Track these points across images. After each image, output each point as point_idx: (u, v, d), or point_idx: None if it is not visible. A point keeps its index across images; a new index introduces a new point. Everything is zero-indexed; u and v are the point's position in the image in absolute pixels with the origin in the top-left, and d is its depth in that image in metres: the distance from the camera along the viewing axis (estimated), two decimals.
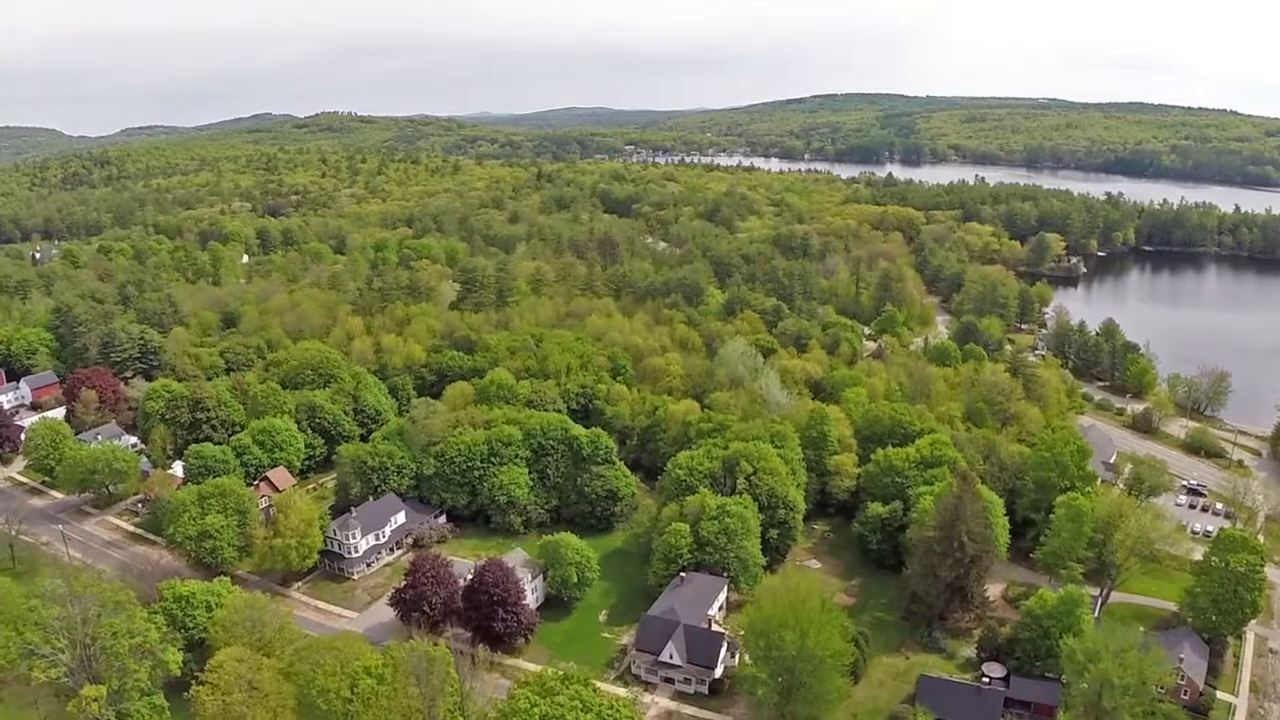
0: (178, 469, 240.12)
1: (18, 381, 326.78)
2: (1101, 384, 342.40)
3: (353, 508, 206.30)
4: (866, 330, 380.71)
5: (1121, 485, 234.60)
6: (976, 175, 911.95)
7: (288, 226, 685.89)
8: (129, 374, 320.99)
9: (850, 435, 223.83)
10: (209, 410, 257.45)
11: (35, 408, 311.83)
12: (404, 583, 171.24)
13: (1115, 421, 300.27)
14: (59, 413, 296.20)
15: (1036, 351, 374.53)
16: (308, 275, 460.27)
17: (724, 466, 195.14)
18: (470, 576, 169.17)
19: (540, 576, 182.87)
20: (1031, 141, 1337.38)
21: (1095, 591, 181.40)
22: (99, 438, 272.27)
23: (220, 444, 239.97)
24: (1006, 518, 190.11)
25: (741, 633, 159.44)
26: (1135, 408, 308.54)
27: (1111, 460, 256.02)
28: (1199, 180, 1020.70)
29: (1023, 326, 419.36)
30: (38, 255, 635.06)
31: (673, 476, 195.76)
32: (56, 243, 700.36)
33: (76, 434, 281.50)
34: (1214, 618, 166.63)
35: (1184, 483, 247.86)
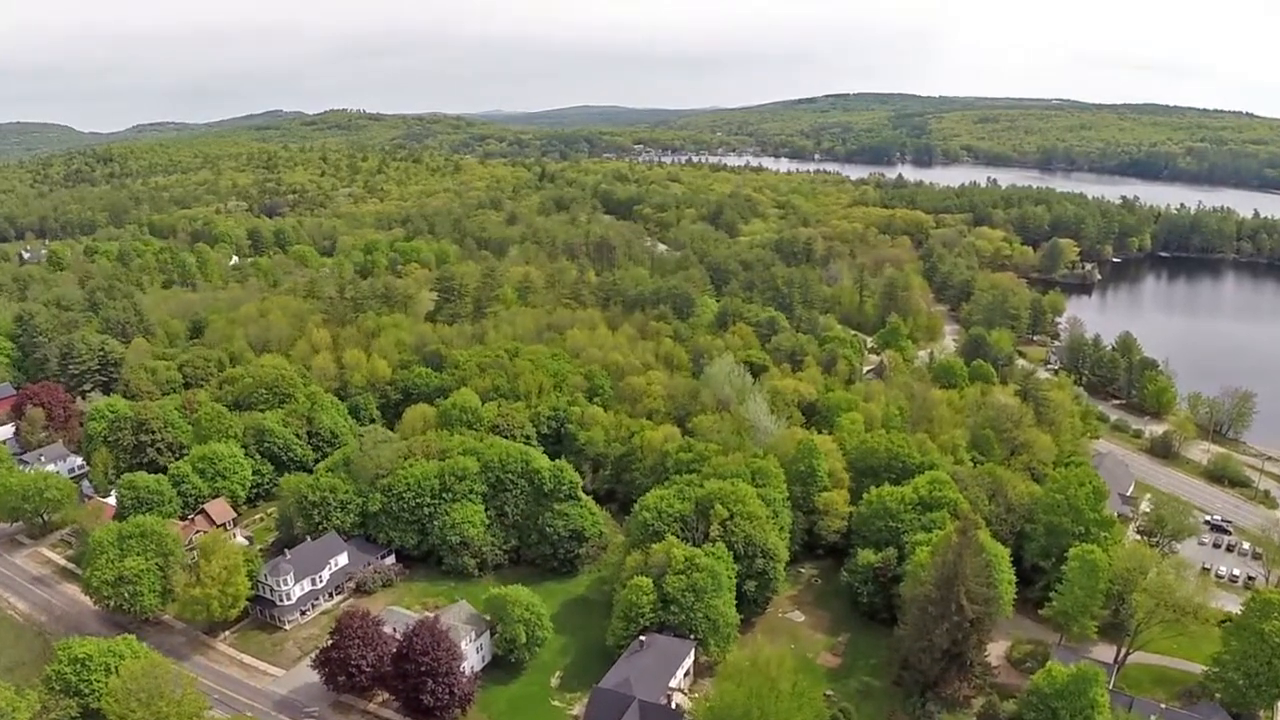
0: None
1: None
2: (1117, 402, 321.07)
3: (286, 550, 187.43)
4: (869, 342, 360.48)
5: (1138, 528, 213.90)
6: (988, 177, 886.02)
7: (280, 227, 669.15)
8: (87, 387, 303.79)
9: (843, 469, 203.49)
10: (154, 433, 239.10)
11: None
12: (330, 642, 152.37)
13: (1132, 445, 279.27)
14: (8, 430, 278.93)
15: (1049, 366, 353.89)
16: (289, 280, 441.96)
17: (697, 509, 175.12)
18: (403, 636, 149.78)
19: (487, 633, 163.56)
20: (1045, 143, 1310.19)
21: (1110, 660, 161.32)
22: (42, 459, 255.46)
23: (159, 472, 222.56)
24: (1013, 567, 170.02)
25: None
26: (1153, 430, 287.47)
27: (1129, 492, 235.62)
28: (1215, 183, 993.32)
29: (1034, 338, 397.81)
30: (26, 255, 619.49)
31: (639, 520, 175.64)
32: (45, 242, 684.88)
33: (21, 454, 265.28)
34: (1246, 692, 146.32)
35: (1207, 518, 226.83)
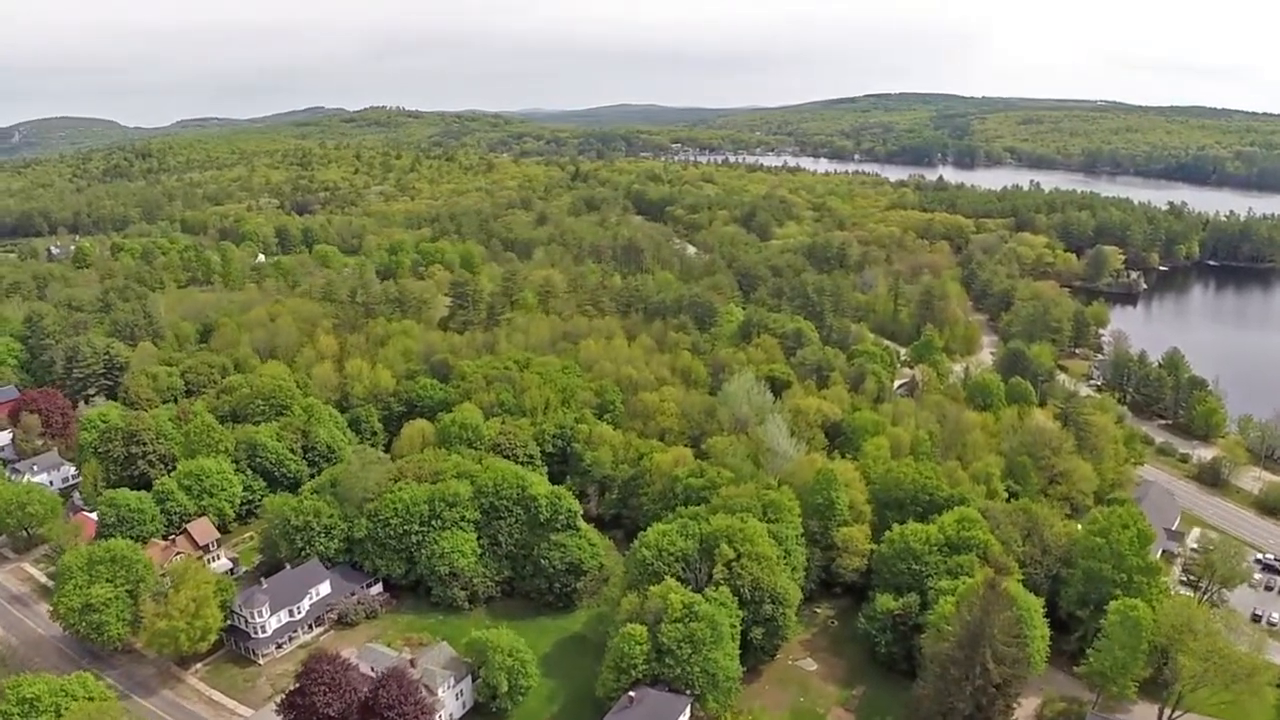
0: None
1: None
2: (1163, 423, 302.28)
3: (262, 579, 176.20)
4: (903, 354, 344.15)
5: (1184, 569, 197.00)
6: (1031, 180, 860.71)
7: (308, 225, 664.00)
8: (92, 392, 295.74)
9: (864, 501, 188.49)
10: (145, 444, 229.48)
11: None
12: (295, 686, 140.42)
13: (1178, 471, 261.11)
14: (4, 436, 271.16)
15: (1091, 382, 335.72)
16: (307, 281, 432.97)
17: (701, 547, 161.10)
18: (371, 686, 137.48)
19: (468, 678, 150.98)
20: (1090, 145, 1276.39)
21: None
22: (34, 468, 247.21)
23: (147, 486, 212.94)
24: (1047, 619, 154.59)
25: None
26: (1202, 454, 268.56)
27: (1174, 526, 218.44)
28: (1264, 189, 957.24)
29: (1076, 351, 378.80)
30: (55, 250, 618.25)
31: (638, 558, 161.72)
32: (75, 238, 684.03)
33: (13, 462, 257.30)
34: None
35: (1258, 557, 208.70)
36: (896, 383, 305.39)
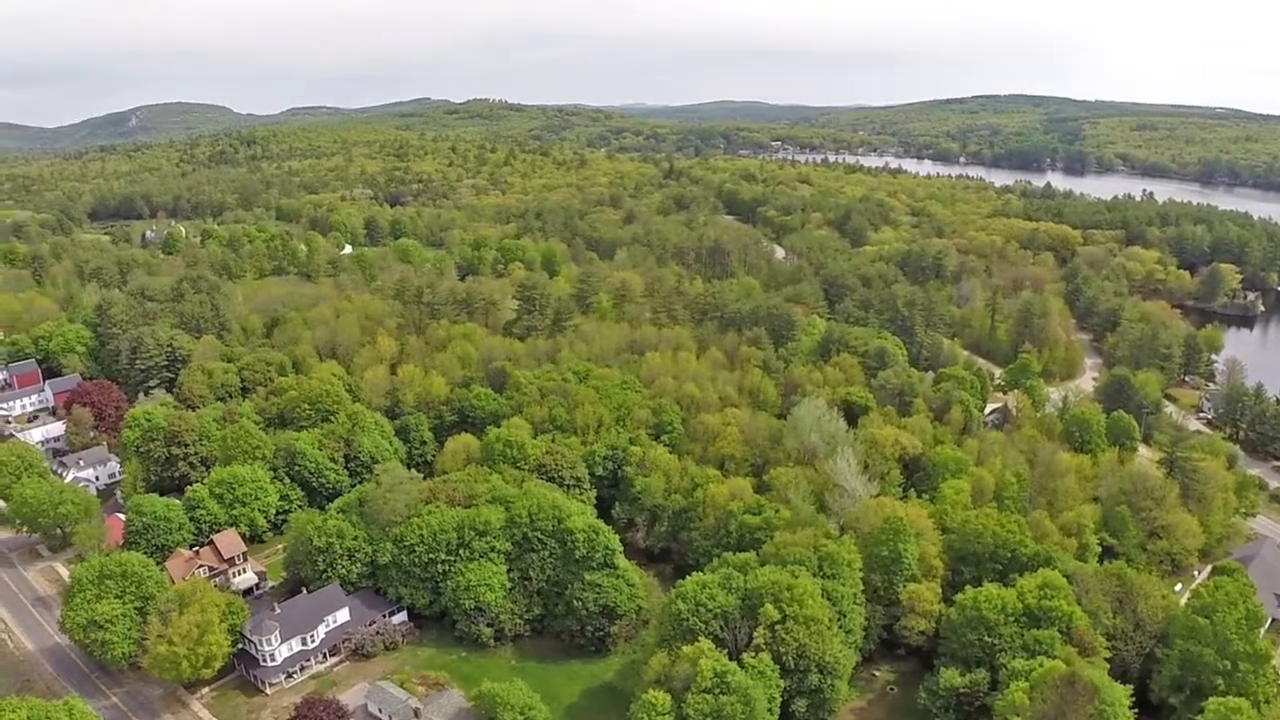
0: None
1: (43, 384, 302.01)
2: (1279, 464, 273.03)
3: (275, 605, 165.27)
4: (996, 375, 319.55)
5: None
6: (1144, 190, 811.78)
7: (397, 217, 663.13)
8: (153, 384, 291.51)
9: (937, 554, 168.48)
10: (187, 445, 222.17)
11: (56, 413, 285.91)
12: None
13: None
14: (59, 427, 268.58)
15: (1200, 415, 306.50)
16: (383, 276, 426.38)
17: (743, 604, 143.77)
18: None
19: None
20: (1207, 154, 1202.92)
21: None
22: (80, 463, 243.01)
23: (183, 490, 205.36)
24: (1136, 700, 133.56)
25: None
26: None
27: None
28: None
29: (1186, 379, 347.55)
30: (149, 235, 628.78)
31: (672, 611, 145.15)
32: (171, 223, 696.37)
33: (63, 454, 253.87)
34: None
35: None
36: (988, 408, 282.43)
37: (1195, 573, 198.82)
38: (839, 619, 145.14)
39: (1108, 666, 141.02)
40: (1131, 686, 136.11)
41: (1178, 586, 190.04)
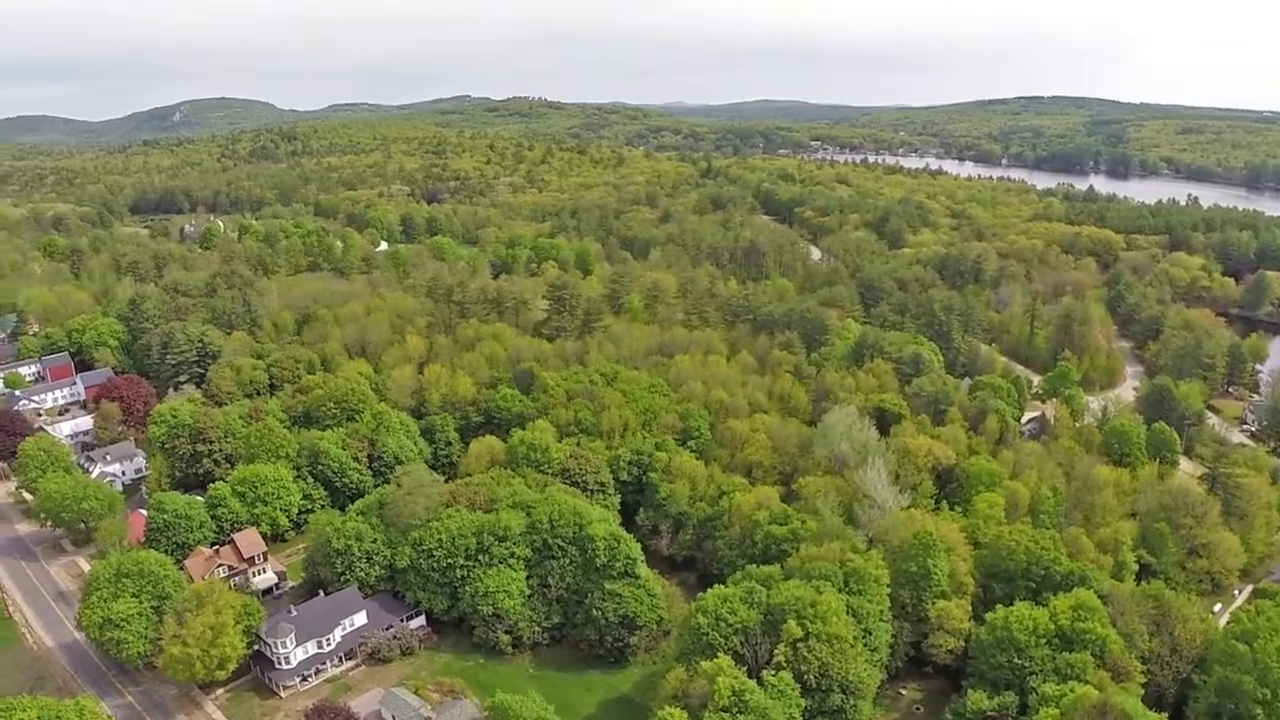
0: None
1: (75, 377, 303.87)
2: None
3: (291, 607, 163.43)
4: (1034, 383, 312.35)
5: None
6: (1189, 194, 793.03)
7: (433, 214, 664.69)
8: (183, 379, 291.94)
9: (967, 571, 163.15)
10: (212, 442, 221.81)
11: (86, 407, 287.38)
12: None
13: None
14: (88, 421, 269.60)
15: (1244, 427, 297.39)
16: (416, 274, 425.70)
17: (765, 620, 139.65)
18: None
19: None
20: (1254, 158, 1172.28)
21: None
22: (107, 457, 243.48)
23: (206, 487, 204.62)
24: None
25: None
26: None
27: None
28: None
29: (1230, 390, 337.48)
30: (189, 229, 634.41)
31: (692, 625, 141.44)
32: (210, 217, 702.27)
33: (90, 449, 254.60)
34: None
35: None
36: (1025, 416, 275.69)
37: (1236, 592, 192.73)
38: (864, 637, 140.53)
39: (1142, 692, 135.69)
40: (1166, 714, 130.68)
41: (1217, 606, 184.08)
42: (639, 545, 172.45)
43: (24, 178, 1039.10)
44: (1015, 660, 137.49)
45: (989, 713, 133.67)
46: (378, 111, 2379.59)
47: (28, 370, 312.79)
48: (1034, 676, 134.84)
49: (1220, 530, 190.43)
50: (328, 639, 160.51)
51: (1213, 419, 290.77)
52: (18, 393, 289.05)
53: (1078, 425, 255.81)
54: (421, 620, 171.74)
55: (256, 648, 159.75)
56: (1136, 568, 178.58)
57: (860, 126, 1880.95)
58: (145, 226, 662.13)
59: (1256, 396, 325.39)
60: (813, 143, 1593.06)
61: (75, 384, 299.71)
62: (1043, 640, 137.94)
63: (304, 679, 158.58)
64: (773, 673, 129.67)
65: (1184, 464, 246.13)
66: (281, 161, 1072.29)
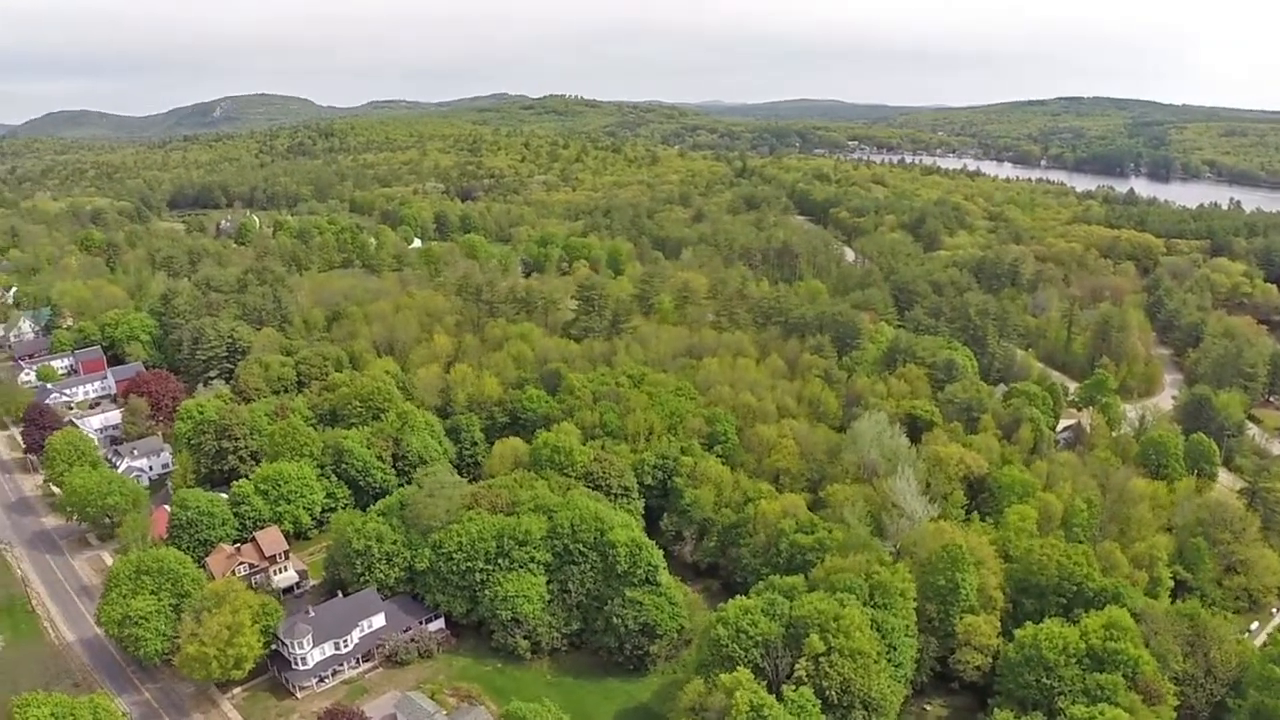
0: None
1: (106, 371, 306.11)
2: None
3: (309, 608, 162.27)
4: (1071, 390, 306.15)
5: None
6: (1231, 198, 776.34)
7: (466, 212, 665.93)
8: (213, 375, 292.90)
9: (997, 585, 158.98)
10: (237, 439, 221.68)
11: (117, 401, 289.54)
12: None
13: None
14: (116, 415, 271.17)
15: None
16: (447, 272, 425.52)
17: (787, 633, 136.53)
18: None
19: None
20: None
21: None
22: (134, 452, 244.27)
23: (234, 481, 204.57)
24: None
25: None
26: None
27: None
28: None
29: (1271, 399, 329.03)
30: (224, 224, 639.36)
31: (712, 637, 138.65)
32: (246, 213, 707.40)
33: (118, 443, 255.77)
34: None
35: None
36: (1060, 424, 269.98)
37: (1274, 611, 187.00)
38: (888, 652, 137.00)
39: (1174, 716, 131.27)
40: None
41: (1254, 625, 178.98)
42: (661, 552, 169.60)
43: (64, 172, 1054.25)
44: (1044, 680, 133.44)
45: None
46: (415, 109, 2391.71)
47: (60, 364, 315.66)
48: (1063, 697, 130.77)
49: (1259, 547, 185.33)
50: (345, 640, 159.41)
51: (1253, 430, 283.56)
52: (50, 386, 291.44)
53: (1114, 435, 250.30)
54: (441, 623, 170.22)
55: (274, 648, 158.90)
56: (1172, 584, 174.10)
57: (898, 126, 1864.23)
58: (182, 221, 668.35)
59: None
60: (850, 142, 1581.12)
61: (106, 378, 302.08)
62: (1073, 660, 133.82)
63: (320, 680, 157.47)
64: (793, 688, 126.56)
65: (1223, 476, 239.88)
66: (318, 158, 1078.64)
